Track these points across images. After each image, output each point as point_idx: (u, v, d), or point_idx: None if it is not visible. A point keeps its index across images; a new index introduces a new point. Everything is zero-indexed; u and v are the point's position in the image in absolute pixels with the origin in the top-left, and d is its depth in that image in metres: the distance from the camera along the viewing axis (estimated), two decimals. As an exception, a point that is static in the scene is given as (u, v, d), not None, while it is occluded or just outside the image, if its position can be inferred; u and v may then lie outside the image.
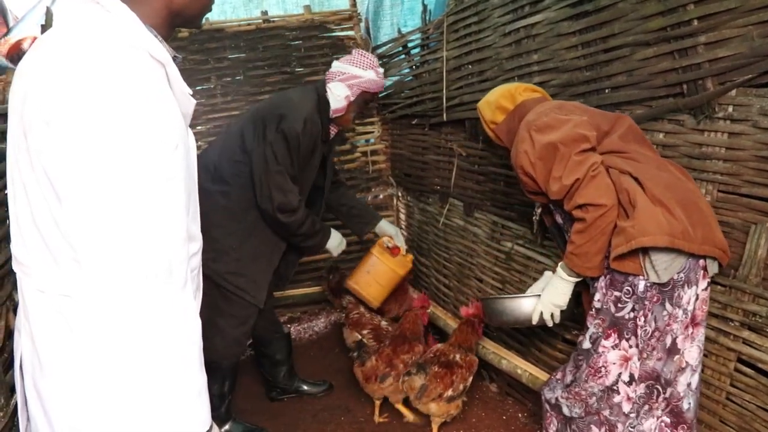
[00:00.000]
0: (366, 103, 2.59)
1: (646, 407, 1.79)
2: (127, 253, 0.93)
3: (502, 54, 2.57)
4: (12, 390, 1.38)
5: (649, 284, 1.67)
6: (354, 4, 3.56)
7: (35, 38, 2.88)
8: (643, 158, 1.77)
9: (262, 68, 3.47)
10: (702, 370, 1.82)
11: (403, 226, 3.80)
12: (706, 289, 1.73)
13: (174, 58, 1.07)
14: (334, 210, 2.93)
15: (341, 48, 3.56)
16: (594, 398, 1.82)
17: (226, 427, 2.54)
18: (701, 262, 1.69)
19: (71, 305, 1.01)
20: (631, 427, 1.80)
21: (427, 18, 3.15)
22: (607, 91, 2.10)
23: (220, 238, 2.37)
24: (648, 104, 1.98)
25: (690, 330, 1.73)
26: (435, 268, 3.42)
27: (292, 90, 2.66)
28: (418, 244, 3.58)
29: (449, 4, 2.89)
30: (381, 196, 3.86)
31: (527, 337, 2.65)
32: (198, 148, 2.61)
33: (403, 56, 3.43)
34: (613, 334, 1.77)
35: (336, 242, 2.68)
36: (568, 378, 1.92)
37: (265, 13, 3.47)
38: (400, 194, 3.82)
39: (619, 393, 1.78)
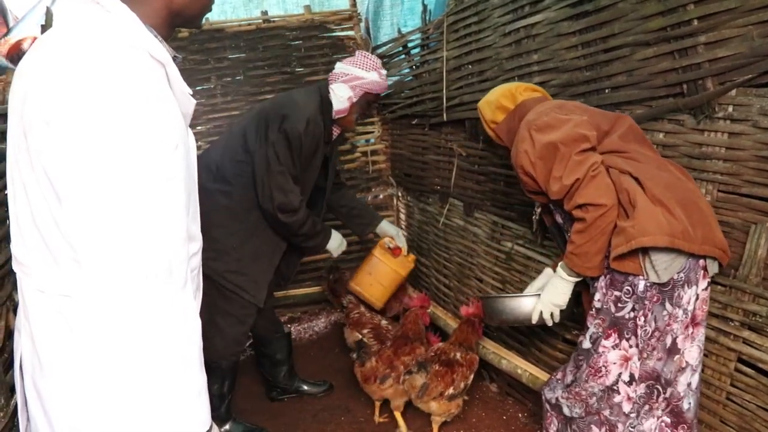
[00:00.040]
0: (369, 104, 2.59)
1: (647, 407, 1.79)
2: (127, 253, 0.93)
3: (502, 54, 2.57)
4: (12, 390, 1.38)
5: (649, 284, 1.67)
6: (354, 4, 3.56)
7: (35, 38, 2.88)
8: (643, 158, 1.77)
9: (262, 68, 3.47)
10: (702, 370, 1.82)
11: (403, 226, 3.80)
12: (706, 289, 1.73)
13: (174, 58, 1.07)
14: (334, 210, 2.93)
15: (341, 48, 3.56)
16: (594, 398, 1.82)
17: (226, 427, 2.55)
18: (701, 262, 1.68)
19: (71, 305, 1.01)
20: (632, 427, 1.80)
21: (427, 18, 3.15)
22: (607, 91, 2.10)
23: (222, 237, 2.37)
24: (648, 104, 1.98)
25: (690, 330, 1.73)
26: (435, 268, 3.42)
27: (295, 90, 2.67)
28: (418, 244, 3.58)
29: (449, 4, 2.89)
30: (381, 196, 3.86)
31: (527, 337, 2.65)
32: (198, 148, 2.62)
33: (403, 56, 3.43)
34: (613, 334, 1.77)
35: (336, 243, 2.69)
36: (569, 378, 1.92)
37: (265, 13, 3.47)
38: (400, 194, 3.82)
39: (619, 393, 1.78)
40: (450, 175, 3.12)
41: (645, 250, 1.65)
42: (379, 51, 3.57)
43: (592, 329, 1.83)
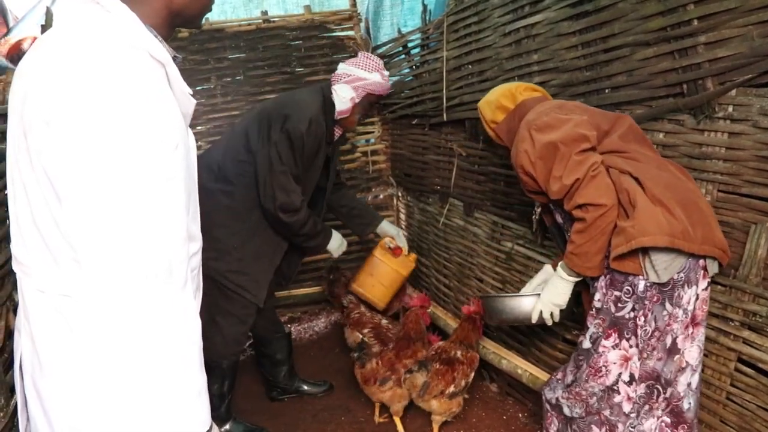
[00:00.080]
0: (371, 105, 2.60)
1: (647, 407, 1.79)
2: (127, 253, 0.93)
3: (502, 54, 2.57)
4: (12, 390, 1.38)
5: (649, 284, 1.67)
6: (354, 4, 3.56)
7: (35, 38, 2.88)
8: (643, 158, 1.77)
9: (262, 68, 3.47)
10: (702, 370, 1.81)
11: (404, 226, 3.80)
12: (706, 288, 1.73)
13: (174, 58, 1.07)
14: (335, 211, 2.94)
15: (341, 48, 3.56)
16: (594, 398, 1.82)
17: (227, 426, 2.55)
18: (701, 261, 1.68)
19: (71, 305, 1.01)
20: (632, 427, 1.80)
21: (427, 18, 3.15)
22: (607, 91, 2.10)
23: (223, 237, 2.38)
24: (648, 104, 1.98)
25: (690, 330, 1.73)
26: (435, 268, 3.43)
27: (297, 91, 2.67)
28: (418, 244, 3.58)
29: (449, 4, 2.89)
30: (381, 196, 3.86)
31: (527, 337, 2.65)
32: (198, 148, 2.62)
33: (403, 56, 3.43)
34: (613, 334, 1.77)
35: (337, 243, 2.69)
36: (569, 378, 1.92)
37: (265, 13, 3.47)
38: (400, 194, 3.82)
39: (619, 393, 1.78)
40: (450, 175, 3.12)
41: (645, 250, 1.65)
42: (379, 51, 3.57)
43: (592, 329, 1.83)
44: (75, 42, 0.94)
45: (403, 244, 2.99)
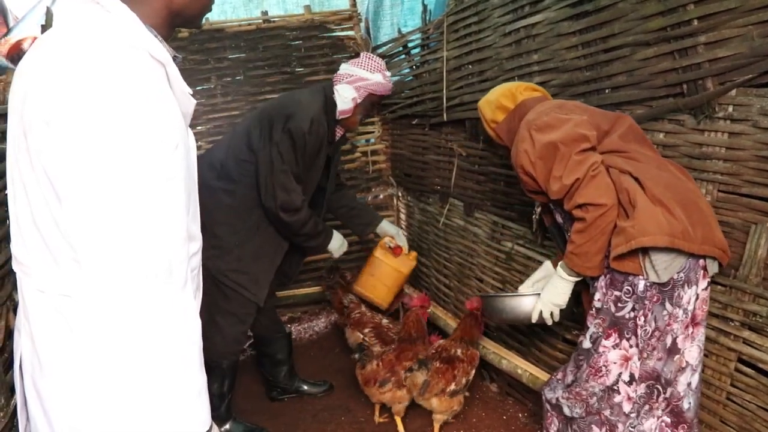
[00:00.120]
0: (373, 105, 2.60)
1: (647, 407, 1.79)
2: (127, 253, 0.93)
3: (502, 54, 2.57)
4: (12, 390, 1.38)
5: (649, 284, 1.67)
6: (354, 4, 3.56)
7: (35, 38, 2.88)
8: (643, 158, 1.77)
9: (263, 68, 3.47)
10: (702, 370, 1.81)
11: (404, 226, 3.80)
12: (706, 288, 1.73)
13: (174, 58, 1.07)
14: (334, 211, 2.94)
15: (341, 48, 3.56)
16: (595, 398, 1.82)
17: (227, 426, 2.55)
18: (701, 261, 1.68)
19: (71, 305, 1.01)
20: (632, 427, 1.80)
21: (427, 18, 3.15)
22: (607, 91, 2.10)
23: (224, 236, 2.39)
24: (648, 104, 1.98)
25: (690, 330, 1.73)
26: (435, 268, 3.43)
27: (299, 91, 2.68)
28: (419, 244, 3.58)
29: (449, 4, 2.89)
30: (381, 196, 3.86)
31: (527, 337, 2.65)
32: (198, 148, 2.62)
33: (403, 56, 3.43)
34: (613, 334, 1.77)
35: (337, 244, 2.69)
36: (569, 378, 1.92)
37: (265, 13, 3.47)
38: (400, 194, 3.82)
39: (619, 393, 1.78)
40: (450, 175, 3.12)
41: (645, 250, 1.65)
42: (379, 51, 3.57)
43: (592, 329, 1.83)
44: (75, 42, 0.94)
45: (403, 242, 2.99)
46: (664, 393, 1.77)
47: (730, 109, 1.74)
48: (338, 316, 3.26)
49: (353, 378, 2.71)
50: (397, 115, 3.54)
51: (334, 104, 2.47)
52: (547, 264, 2.17)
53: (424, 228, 3.52)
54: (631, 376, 1.76)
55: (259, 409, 2.83)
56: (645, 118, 1.96)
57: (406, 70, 3.41)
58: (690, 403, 1.78)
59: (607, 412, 1.81)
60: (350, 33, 3.57)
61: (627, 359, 1.76)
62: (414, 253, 3.08)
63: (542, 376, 2.41)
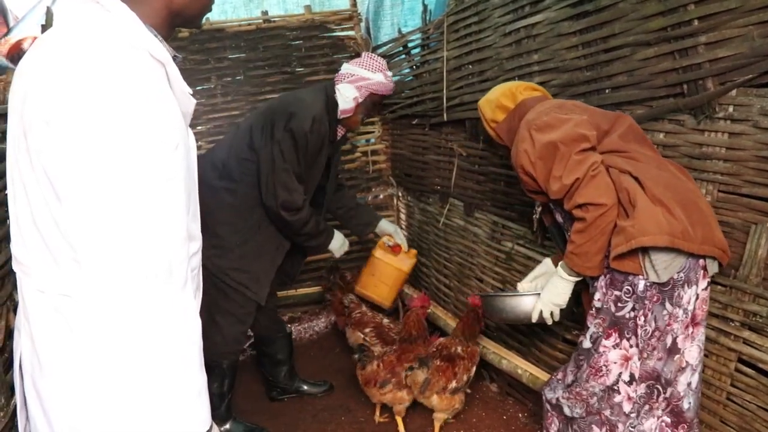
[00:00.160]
0: (374, 105, 2.61)
1: (647, 407, 1.79)
2: (127, 253, 0.93)
3: (502, 54, 2.57)
4: (12, 390, 1.38)
5: (648, 284, 1.67)
6: (354, 4, 3.56)
7: (35, 38, 2.88)
8: (643, 158, 1.77)
9: (263, 68, 3.47)
10: (702, 370, 1.81)
11: (404, 226, 3.80)
12: (706, 288, 1.73)
13: (174, 58, 1.07)
14: (333, 212, 2.93)
15: (342, 48, 3.56)
16: (595, 398, 1.82)
17: (227, 426, 2.55)
18: (701, 261, 1.68)
19: (71, 305, 1.01)
20: (632, 427, 1.80)
21: (428, 18, 3.15)
22: (607, 91, 2.10)
23: (226, 235, 2.39)
24: (648, 104, 1.98)
25: (690, 330, 1.73)
26: (435, 268, 3.42)
27: (301, 90, 2.69)
28: (419, 244, 3.58)
29: (449, 4, 2.89)
30: (381, 196, 3.86)
31: (527, 337, 2.65)
32: (198, 148, 2.62)
33: (403, 56, 3.43)
34: (613, 334, 1.77)
35: (338, 243, 2.69)
36: (569, 378, 1.92)
37: (265, 13, 3.46)
38: (400, 194, 3.82)
39: (619, 393, 1.78)
40: (450, 175, 3.12)
41: (645, 250, 1.65)
42: (380, 51, 3.57)
43: (592, 329, 1.83)
44: (75, 42, 0.94)
45: (402, 241, 2.99)
46: (664, 393, 1.77)
47: (731, 109, 1.74)
48: (337, 317, 3.27)
49: (353, 378, 2.71)
50: (397, 115, 3.54)
51: (336, 103, 2.48)
52: (547, 260, 2.17)
53: (424, 228, 3.52)
54: (631, 376, 1.76)
55: (259, 409, 2.83)
56: (645, 118, 1.96)
57: (407, 70, 3.41)
58: (690, 403, 1.78)
59: (607, 412, 1.81)
60: (350, 33, 3.57)
61: (627, 359, 1.76)
62: (413, 251, 3.09)
63: (542, 376, 2.41)
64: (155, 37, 1.03)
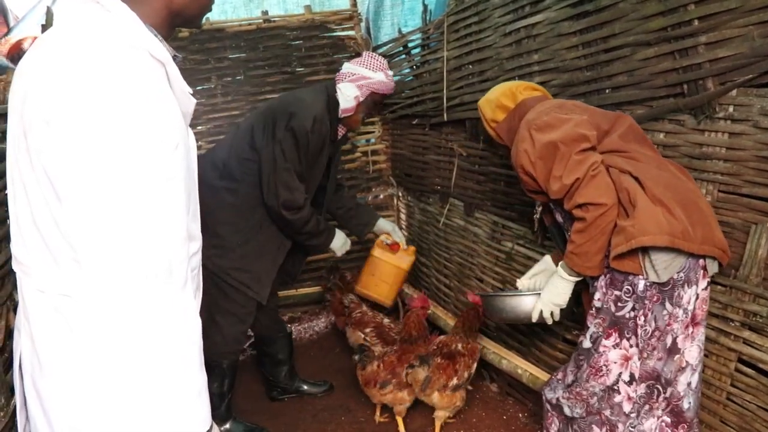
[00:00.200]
0: (375, 104, 2.61)
1: (647, 407, 1.79)
2: (128, 252, 0.93)
3: (502, 54, 2.57)
4: (12, 390, 1.38)
5: (648, 284, 1.67)
6: (354, 4, 3.56)
7: (35, 38, 2.88)
8: (643, 158, 1.77)
9: (263, 68, 3.47)
10: (702, 370, 1.81)
11: (404, 226, 3.80)
12: (706, 288, 1.73)
13: (174, 58, 1.07)
14: (332, 212, 2.93)
15: (342, 48, 3.56)
16: (595, 398, 1.82)
17: (227, 426, 2.55)
18: (701, 261, 1.68)
19: (71, 305, 1.01)
20: (632, 427, 1.80)
21: (428, 18, 3.15)
22: (607, 91, 2.10)
23: (227, 235, 2.39)
24: (649, 104, 1.98)
25: (690, 329, 1.73)
26: (435, 268, 3.42)
27: (301, 89, 2.69)
28: (419, 244, 3.58)
29: (450, 4, 2.89)
30: (381, 196, 3.86)
31: (528, 337, 2.65)
32: (198, 148, 2.62)
33: (403, 56, 3.43)
34: (613, 334, 1.77)
35: (340, 242, 2.70)
36: (569, 378, 1.92)
37: (265, 12, 3.47)
38: (400, 194, 3.82)
39: (619, 393, 1.78)
40: (450, 175, 3.12)
41: (645, 250, 1.65)
42: (380, 51, 3.57)
43: (592, 329, 1.83)
44: (75, 41, 0.94)
45: (400, 238, 3.00)
46: (664, 393, 1.77)
47: (731, 109, 1.74)
48: (336, 318, 3.27)
49: (353, 378, 2.71)
50: (397, 115, 3.54)
51: (337, 103, 2.48)
52: (547, 257, 2.17)
53: (425, 228, 3.52)
54: (632, 375, 1.76)
55: (259, 409, 2.83)
56: (645, 118, 1.96)
57: (407, 70, 3.41)
58: (690, 402, 1.78)
59: (607, 412, 1.81)
60: (351, 33, 3.57)
61: (627, 359, 1.76)
62: (412, 248, 3.09)
63: (542, 376, 2.41)
64: (155, 37, 1.03)
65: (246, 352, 3.31)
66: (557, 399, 1.94)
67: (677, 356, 1.74)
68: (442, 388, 2.41)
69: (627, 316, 1.73)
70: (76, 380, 1.02)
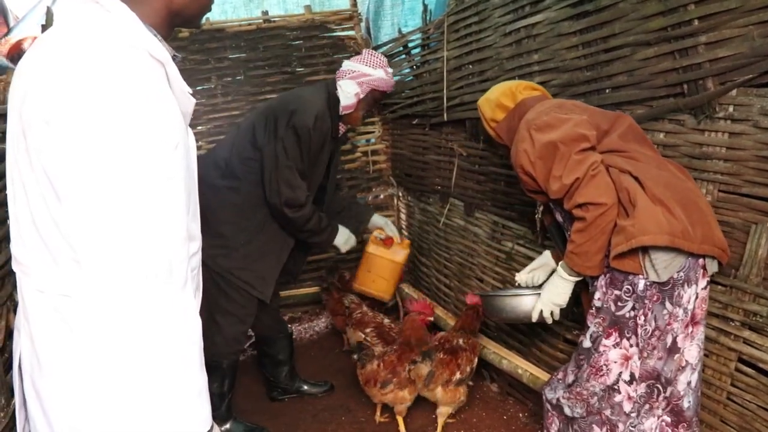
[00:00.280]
0: (375, 101, 2.62)
1: (647, 406, 1.79)
2: (127, 252, 0.93)
3: (502, 54, 2.57)
4: (12, 390, 1.38)
5: (648, 283, 1.67)
6: (354, 4, 3.56)
7: (35, 38, 2.88)
8: (643, 157, 1.77)
9: (263, 68, 3.47)
10: (702, 370, 1.81)
11: (404, 226, 3.80)
12: (705, 287, 1.73)
13: (174, 58, 1.07)
14: (328, 213, 2.92)
15: (342, 48, 3.56)
16: (595, 398, 1.82)
17: (227, 426, 2.55)
18: (701, 261, 1.68)
19: (70, 305, 1.01)
20: (632, 427, 1.80)
21: (428, 18, 3.15)
22: (607, 91, 2.10)
23: (230, 234, 2.40)
24: (649, 104, 1.98)
25: (690, 329, 1.73)
26: (435, 268, 3.42)
27: (302, 88, 2.70)
28: (419, 244, 3.58)
29: (450, 4, 2.89)
30: (381, 196, 3.86)
31: (528, 337, 2.65)
32: (198, 148, 2.61)
33: (403, 56, 3.43)
34: (613, 333, 1.77)
35: (344, 238, 2.70)
36: (570, 378, 1.92)
37: (265, 13, 3.47)
38: (400, 194, 3.82)
39: (620, 392, 1.78)
40: (450, 175, 3.12)
41: (645, 249, 1.65)
42: (380, 51, 3.55)
43: (592, 328, 1.83)
44: (75, 41, 0.94)
45: (393, 232, 3.00)
46: (664, 392, 1.77)
47: (731, 109, 1.74)
48: (333, 318, 3.27)
49: (354, 378, 2.70)
50: (397, 115, 3.54)
51: (338, 100, 2.49)
52: (547, 253, 2.18)
53: (425, 228, 3.51)
54: (632, 375, 1.76)
55: (259, 409, 2.83)
56: (645, 118, 1.96)
57: (407, 70, 3.41)
58: (690, 402, 1.78)
59: (607, 412, 1.81)
60: (351, 33, 3.58)
61: (627, 358, 1.76)
62: (406, 241, 3.09)
63: (543, 376, 2.41)
64: (155, 36, 1.03)
65: (246, 353, 3.31)
66: (557, 399, 1.94)
67: (677, 355, 1.74)
68: (445, 383, 2.41)
69: (627, 315, 1.73)
70: (75, 380, 1.02)
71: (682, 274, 1.66)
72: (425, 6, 3.17)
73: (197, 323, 1.06)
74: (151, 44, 0.99)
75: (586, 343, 1.84)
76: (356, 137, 3.76)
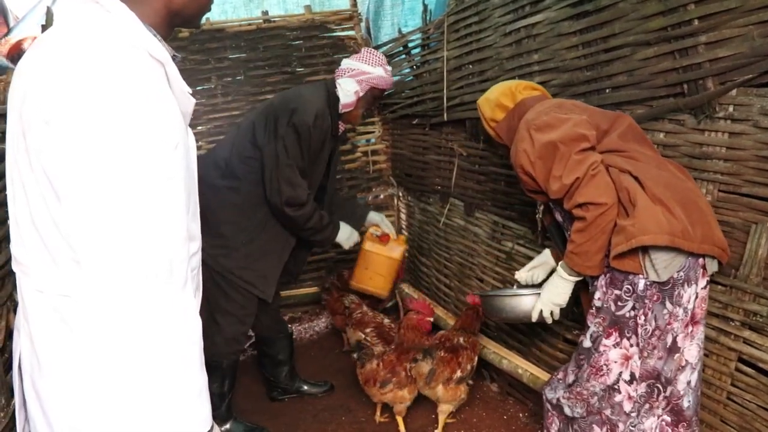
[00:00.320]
0: (375, 99, 2.62)
1: (647, 406, 1.79)
2: (127, 252, 0.93)
3: (502, 54, 2.57)
4: (12, 390, 1.38)
5: (648, 283, 1.67)
6: (354, 4, 3.56)
7: (35, 38, 2.88)
8: (642, 157, 1.77)
9: (263, 68, 3.47)
10: (702, 370, 1.81)
11: (404, 226, 3.80)
12: (705, 287, 1.73)
13: (174, 58, 1.07)
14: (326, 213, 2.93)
15: (342, 48, 3.56)
16: (596, 398, 1.82)
17: (227, 426, 2.55)
18: (701, 260, 1.69)
19: (70, 305, 1.01)
20: (633, 426, 1.80)
21: (428, 18, 3.15)
22: (607, 90, 2.10)
23: (231, 234, 2.40)
24: (649, 104, 1.98)
25: (690, 328, 1.73)
26: (436, 268, 3.42)
27: (301, 86, 2.69)
28: (419, 244, 3.58)
29: (450, 4, 2.89)
30: (381, 196, 3.86)
31: (528, 337, 2.65)
32: (198, 148, 2.61)
33: (403, 56, 3.43)
34: (614, 333, 1.77)
35: (346, 234, 2.70)
36: (570, 378, 1.92)
37: (265, 13, 3.47)
38: (400, 194, 3.82)
39: (620, 392, 1.78)
40: (450, 175, 3.12)
41: (645, 249, 1.65)
42: (380, 51, 3.56)
43: (592, 328, 1.83)
44: (74, 41, 0.94)
45: (389, 229, 3.00)
46: (664, 392, 1.77)
47: (731, 108, 1.74)
48: (333, 317, 3.27)
49: (354, 378, 2.70)
50: (397, 115, 3.54)
51: (337, 98, 2.49)
52: (546, 251, 2.18)
53: (425, 228, 3.51)
54: (632, 375, 1.76)
55: (259, 409, 2.83)
56: (645, 118, 1.96)
57: (407, 70, 3.41)
58: (690, 401, 1.78)
59: (608, 412, 1.81)
60: (351, 33, 3.58)
61: (627, 358, 1.76)
62: (402, 237, 3.10)
63: (543, 376, 2.41)
64: (155, 36, 1.03)
65: (246, 352, 3.31)
66: (558, 399, 1.94)
67: (677, 355, 1.74)
68: (446, 381, 2.41)
69: (627, 315, 1.73)
70: (75, 380, 1.02)
71: (682, 273, 1.66)
72: (425, 6, 3.17)
73: (197, 323, 1.06)
74: (151, 44, 0.99)
75: (587, 343, 1.84)
76: (356, 137, 3.76)
